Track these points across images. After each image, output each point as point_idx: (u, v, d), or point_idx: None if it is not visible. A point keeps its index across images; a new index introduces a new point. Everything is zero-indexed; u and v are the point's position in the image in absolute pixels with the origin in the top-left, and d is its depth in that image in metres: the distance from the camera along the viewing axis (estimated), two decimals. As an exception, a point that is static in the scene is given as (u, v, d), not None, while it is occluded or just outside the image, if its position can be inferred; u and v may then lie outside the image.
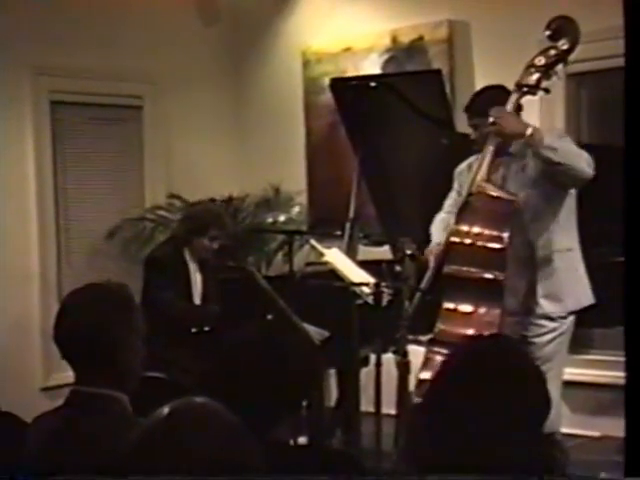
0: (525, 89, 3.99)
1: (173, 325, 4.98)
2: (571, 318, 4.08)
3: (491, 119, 3.94)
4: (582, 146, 4.00)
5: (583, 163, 3.82)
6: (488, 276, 3.90)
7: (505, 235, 3.89)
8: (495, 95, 4.10)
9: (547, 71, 3.99)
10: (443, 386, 2.01)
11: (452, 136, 4.90)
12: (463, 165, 4.29)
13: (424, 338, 4.17)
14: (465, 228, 4.00)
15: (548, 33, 4.01)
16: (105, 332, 2.29)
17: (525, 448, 1.89)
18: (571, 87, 5.71)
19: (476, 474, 1.83)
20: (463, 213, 4.04)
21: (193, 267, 5.24)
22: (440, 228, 4.29)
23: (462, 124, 4.50)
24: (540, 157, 3.87)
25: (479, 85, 5.56)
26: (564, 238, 4.07)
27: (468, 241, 3.97)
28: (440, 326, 3.99)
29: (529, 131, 3.86)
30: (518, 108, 4.03)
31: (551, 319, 4.04)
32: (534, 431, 1.93)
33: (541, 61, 3.99)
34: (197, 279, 5.26)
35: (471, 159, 4.23)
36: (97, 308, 2.32)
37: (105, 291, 2.41)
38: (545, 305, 4.04)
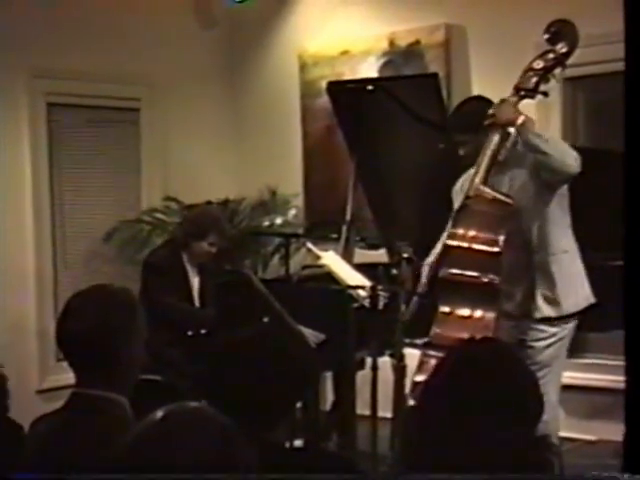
0: (523, 93, 3.99)
1: (170, 328, 4.97)
2: (572, 323, 4.08)
3: (491, 111, 3.95)
4: (579, 150, 4.01)
5: (570, 158, 3.83)
6: (484, 280, 3.90)
7: (500, 238, 3.89)
8: (475, 108, 4.11)
9: (545, 75, 4.00)
10: (435, 389, 2.01)
11: (448, 140, 4.89)
12: (458, 185, 4.28)
13: (420, 341, 4.17)
14: (461, 231, 4.00)
15: (547, 36, 4.02)
16: (108, 335, 2.29)
17: (517, 450, 1.89)
18: (568, 91, 5.71)
19: (469, 476, 1.84)
20: (460, 216, 4.04)
21: (191, 271, 5.23)
22: None
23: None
24: (529, 145, 3.89)
25: (475, 89, 5.58)
26: (559, 240, 4.07)
27: (464, 244, 3.97)
28: (436, 330, 3.99)
29: (520, 119, 3.89)
30: None
31: (551, 324, 4.04)
32: (526, 433, 1.94)
33: (539, 65, 3.99)
34: (195, 283, 5.26)
35: (464, 177, 4.22)
36: (100, 311, 2.32)
37: (109, 294, 2.40)
38: (543, 308, 4.04)
